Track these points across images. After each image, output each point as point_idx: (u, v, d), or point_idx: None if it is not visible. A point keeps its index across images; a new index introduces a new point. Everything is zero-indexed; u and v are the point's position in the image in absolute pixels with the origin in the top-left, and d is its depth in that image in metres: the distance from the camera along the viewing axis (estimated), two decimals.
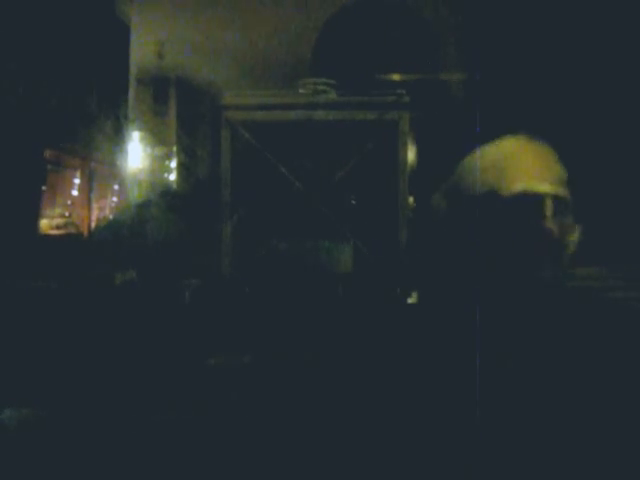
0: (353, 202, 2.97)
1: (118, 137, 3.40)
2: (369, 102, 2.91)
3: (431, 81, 3.29)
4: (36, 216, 3.09)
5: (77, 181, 3.41)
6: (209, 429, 2.20)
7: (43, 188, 3.18)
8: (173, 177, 3.53)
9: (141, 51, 3.34)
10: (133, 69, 3.39)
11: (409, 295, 2.76)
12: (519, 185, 1.43)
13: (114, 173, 3.50)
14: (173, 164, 3.52)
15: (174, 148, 3.49)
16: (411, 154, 3.06)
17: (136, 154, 3.50)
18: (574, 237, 1.50)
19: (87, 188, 3.44)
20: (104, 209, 3.49)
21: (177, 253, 2.94)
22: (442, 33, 3.26)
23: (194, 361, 2.52)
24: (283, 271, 2.94)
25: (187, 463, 2.11)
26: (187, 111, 3.48)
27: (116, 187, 3.52)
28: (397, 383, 1.95)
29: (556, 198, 1.36)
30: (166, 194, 3.35)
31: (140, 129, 3.48)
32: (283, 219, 3.01)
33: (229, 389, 2.38)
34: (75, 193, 3.40)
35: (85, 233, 3.35)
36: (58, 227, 3.21)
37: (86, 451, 2.16)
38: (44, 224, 3.16)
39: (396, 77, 3.12)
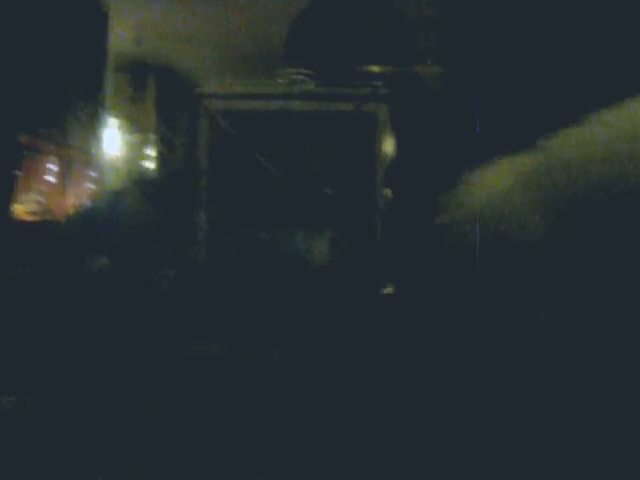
0: (330, 192, 2.97)
1: (95, 124, 3.38)
2: (347, 93, 2.91)
3: (410, 74, 3.29)
4: (9, 201, 3.06)
5: (53, 167, 3.38)
6: (185, 414, 2.20)
7: (18, 173, 3.15)
8: (151, 165, 3.51)
9: (119, 37, 3.32)
10: (111, 55, 3.37)
11: (384, 286, 2.78)
12: None
13: (91, 160, 3.47)
14: (151, 152, 3.49)
15: (152, 136, 3.47)
16: (389, 146, 3.06)
17: (113, 141, 3.48)
18: None
19: (63, 174, 3.41)
20: (80, 196, 3.46)
21: (153, 241, 2.93)
22: (420, 26, 3.26)
23: (172, 349, 2.52)
24: (260, 259, 2.94)
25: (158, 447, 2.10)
26: (165, 99, 3.46)
27: (93, 174, 3.50)
28: (371, 371, 1.96)
29: None
30: (143, 182, 3.33)
31: (118, 116, 3.46)
32: (261, 209, 3.00)
33: (206, 376, 2.39)
34: (51, 179, 3.37)
35: (61, 220, 3.33)
36: (33, 213, 3.19)
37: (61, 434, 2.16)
38: (18, 210, 3.13)
39: (375, 69, 3.11)
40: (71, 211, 3.35)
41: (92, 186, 3.47)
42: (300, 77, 2.97)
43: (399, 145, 3.03)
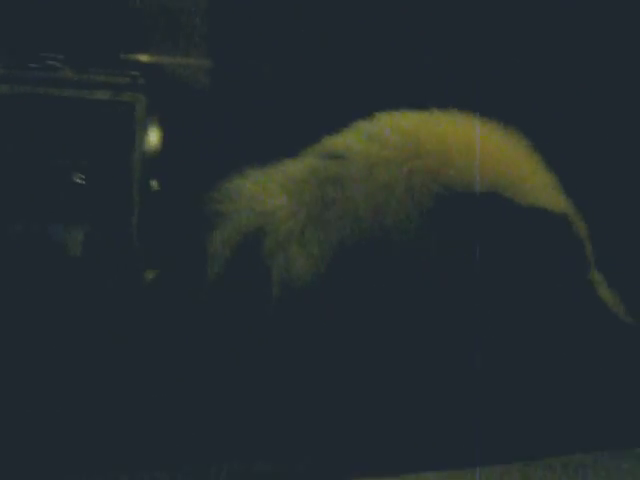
0: (85, 183, 2.87)
1: None
2: (102, 82, 2.83)
3: (172, 65, 3.27)
4: None
5: None
6: None
7: None
8: None
9: None
10: None
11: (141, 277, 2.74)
12: None
13: None
14: None
15: None
16: (154, 137, 3.03)
17: None
18: None
19: None
20: None
21: None
22: (184, 17, 3.25)
23: None
24: (14, 253, 2.80)
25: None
26: None
27: None
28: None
29: None
30: None
31: None
32: (14, 200, 2.85)
33: None
34: None
35: None
36: None
37: None
38: None
39: (134, 58, 3.06)
40: None
41: None
42: (53, 62, 2.84)
43: (159, 136, 3.00)
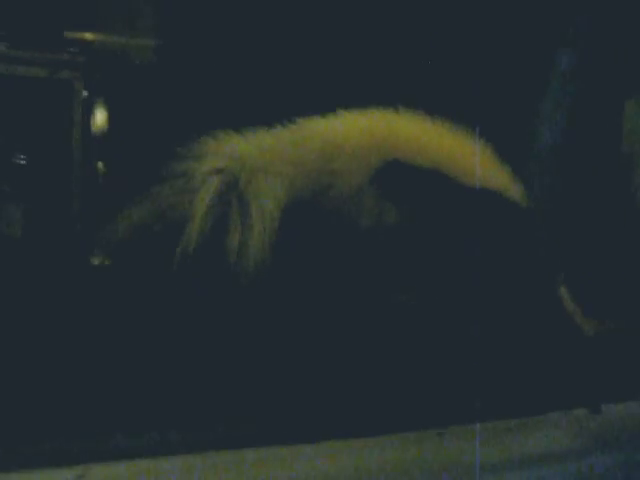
0: (21, 162, 2.83)
1: None
2: (40, 59, 2.79)
3: (118, 43, 3.23)
4: None
5: None
6: None
7: None
8: None
9: None
10: None
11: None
12: None
13: None
14: None
15: None
16: (101, 117, 3.00)
17: None
18: None
19: None
20: None
21: None
22: None
23: None
24: None
25: None
26: None
27: None
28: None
29: None
30: None
31: None
32: None
33: None
34: None
35: None
36: None
37: None
38: None
39: (73, 35, 3.01)
40: None
41: None
42: None
43: (98, 114, 2.97)
